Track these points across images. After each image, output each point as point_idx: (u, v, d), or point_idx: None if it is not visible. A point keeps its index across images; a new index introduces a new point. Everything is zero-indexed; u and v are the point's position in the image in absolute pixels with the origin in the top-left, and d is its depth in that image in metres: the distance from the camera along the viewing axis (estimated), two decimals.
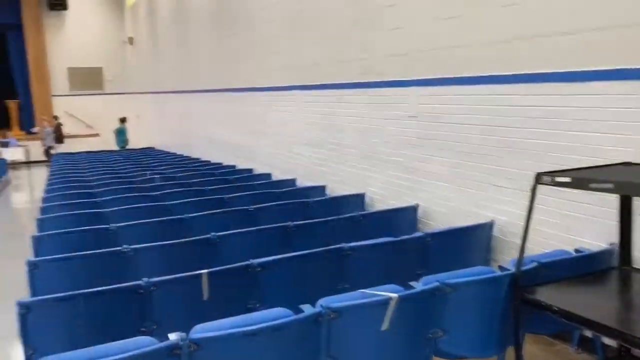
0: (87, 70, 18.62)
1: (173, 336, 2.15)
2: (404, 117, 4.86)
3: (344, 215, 4.52)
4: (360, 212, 4.58)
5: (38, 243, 4.12)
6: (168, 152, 12.70)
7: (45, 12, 17.74)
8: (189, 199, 5.71)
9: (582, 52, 3.24)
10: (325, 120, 6.24)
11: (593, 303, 2.60)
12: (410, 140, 4.82)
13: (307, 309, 2.55)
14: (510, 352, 2.78)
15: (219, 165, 9.35)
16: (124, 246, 3.61)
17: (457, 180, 4.30)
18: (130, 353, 1.99)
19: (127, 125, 16.18)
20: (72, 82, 18.50)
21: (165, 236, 4.12)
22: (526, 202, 2.64)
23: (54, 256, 3.71)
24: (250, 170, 8.25)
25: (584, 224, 3.33)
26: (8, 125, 18.02)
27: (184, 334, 2.10)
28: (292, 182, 6.85)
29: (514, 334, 2.68)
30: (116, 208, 5.29)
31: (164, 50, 14.00)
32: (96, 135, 18.20)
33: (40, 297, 2.80)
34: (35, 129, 16.80)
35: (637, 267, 2.94)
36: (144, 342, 2.13)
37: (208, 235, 3.86)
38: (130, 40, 17.50)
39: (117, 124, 16.03)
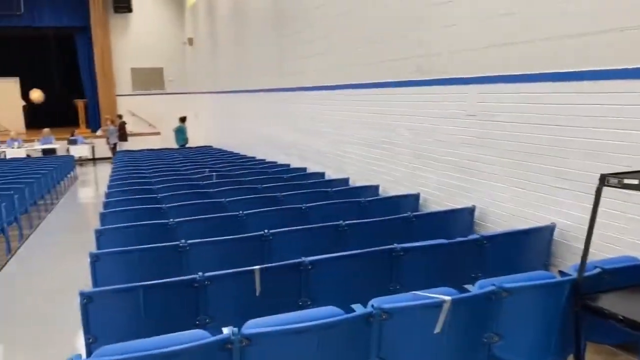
0: (149, 70, 19.31)
1: (226, 330, 2.19)
2: (460, 115, 4.75)
3: (396, 215, 4.47)
4: (413, 213, 4.50)
5: (100, 236, 4.29)
6: (225, 151, 12.99)
7: (111, 15, 18.54)
8: (244, 197, 5.80)
9: None
10: (379, 119, 6.19)
11: None
12: (465, 139, 4.70)
13: (358, 309, 2.53)
14: None
15: (273, 164, 9.47)
16: (181, 241, 3.71)
17: (515, 181, 4.16)
18: (185, 345, 2.04)
19: (187, 124, 16.66)
20: (135, 82, 19.24)
21: (220, 232, 4.22)
22: (589, 205, 2.51)
23: (114, 249, 3.87)
24: (303, 169, 8.30)
25: None
26: (76, 123, 18.95)
27: (236, 329, 2.13)
28: (345, 181, 6.84)
29: (574, 342, 2.56)
30: (174, 204, 5.44)
31: (222, 50, 14.32)
32: (157, 133, 18.84)
33: (101, 288, 2.93)
34: (99, 131, 17.57)
35: None
36: (198, 335, 2.18)
37: (261, 232, 3.91)
38: (190, 41, 18.00)
39: (177, 123, 16.53)
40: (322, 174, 7.63)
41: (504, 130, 4.23)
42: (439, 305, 2.37)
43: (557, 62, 3.68)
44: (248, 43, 11.70)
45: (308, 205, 4.91)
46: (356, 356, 2.34)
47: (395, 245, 3.34)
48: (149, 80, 19.34)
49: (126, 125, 17.40)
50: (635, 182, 2.33)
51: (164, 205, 5.38)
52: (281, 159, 9.68)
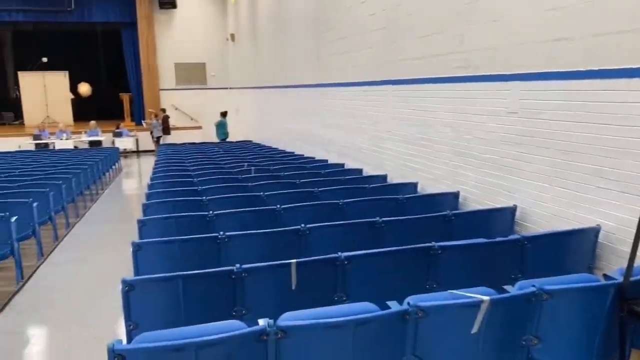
0: (192, 65, 19.67)
1: (262, 322, 2.21)
2: (502, 113, 4.64)
3: (435, 213, 4.41)
4: (452, 211, 4.44)
5: (143, 226, 4.41)
6: (264, 146, 13.11)
7: (156, 10, 18.96)
8: (281, 191, 5.85)
9: None
10: (418, 116, 6.12)
11: None
12: (507, 137, 4.59)
13: (394, 306, 2.53)
14: None
15: (311, 159, 9.50)
16: (220, 233, 3.77)
17: (558, 180, 4.04)
18: (221, 335, 2.07)
19: (227, 118, 16.91)
20: (179, 77, 19.63)
21: (258, 225, 4.27)
22: (636, 207, 2.41)
23: (156, 239, 3.97)
24: (341, 165, 8.30)
25: None
26: (121, 116, 19.51)
27: (271, 321, 2.16)
28: (382, 178, 6.80)
29: (619, 348, 2.47)
30: (214, 197, 5.53)
31: (262, 46, 14.45)
32: (199, 127, 19.19)
33: (142, 277, 3.01)
34: (143, 123, 18.00)
35: None
36: (235, 326, 2.22)
37: (298, 227, 3.93)
38: (232, 37, 18.23)
39: (218, 118, 16.80)
40: (360, 170, 7.61)
41: (546, 128, 4.11)
42: (477, 305, 2.33)
43: (605, 59, 3.55)
44: (288, 38, 11.76)
45: (345, 201, 4.91)
46: (391, 353, 2.33)
47: (433, 243, 3.30)
48: (192, 75, 19.70)
49: (169, 119, 17.80)
50: None
51: (204, 198, 5.48)
52: (319, 155, 9.71)
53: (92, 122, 17.37)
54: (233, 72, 19.09)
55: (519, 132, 4.44)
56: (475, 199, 5.12)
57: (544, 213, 4.23)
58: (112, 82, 21.85)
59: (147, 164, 14.69)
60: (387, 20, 6.81)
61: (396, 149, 6.73)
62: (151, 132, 17.27)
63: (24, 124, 19.89)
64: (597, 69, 3.62)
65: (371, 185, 5.97)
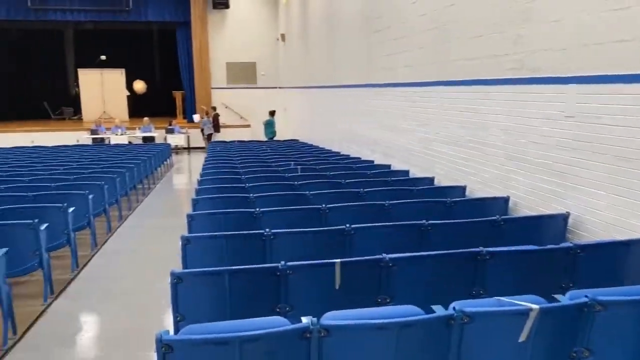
0: (242, 65, 20.00)
1: (305, 320, 2.22)
2: (558, 116, 4.49)
3: (484, 218, 4.32)
4: (502, 216, 4.33)
5: (192, 221, 4.52)
6: (311, 145, 13.18)
7: (210, 11, 19.38)
8: (327, 191, 5.87)
9: None
10: (469, 118, 6.00)
11: None
12: (562, 142, 4.44)
13: (439, 310, 2.48)
14: None
15: (357, 160, 9.48)
16: (266, 230, 3.81)
17: (616, 188, 3.87)
18: (265, 331, 2.10)
19: (276, 118, 17.10)
20: (229, 76, 20.01)
21: (303, 223, 4.29)
22: None
23: (204, 233, 4.07)
24: (388, 166, 8.24)
25: None
26: (174, 113, 20.06)
27: (315, 319, 2.16)
28: (430, 180, 6.71)
29: None
30: (261, 194, 5.61)
31: (313, 46, 14.52)
32: (247, 126, 19.49)
33: (190, 270, 3.09)
34: (196, 117, 18.42)
35: None
36: (278, 322, 2.24)
37: (343, 227, 3.93)
38: (282, 37, 18.42)
39: (266, 117, 17.01)
40: (407, 172, 7.53)
41: (606, 133, 3.95)
42: (525, 313, 2.26)
43: None
44: (338, 39, 11.78)
45: (391, 202, 4.87)
46: (434, 358, 2.30)
47: (481, 248, 3.22)
48: (243, 74, 20.03)
49: (219, 117, 18.17)
50: None
51: (250, 195, 5.56)
52: (365, 155, 9.67)
53: (146, 119, 17.94)
54: (282, 71, 19.29)
55: (575, 136, 4.29)
56: (526, 205, 4.98)
57: (599, 221, 4.06)
58: (166, 80, 22.50)
59: (197, 160, 15.04)
60: (438, 20, 6.71)
61: (445, 151, 6.62)
62: (202, 130, 17.67)
63: (82, 119, 20.75)
64: None
65: (418, 188, 5.90)
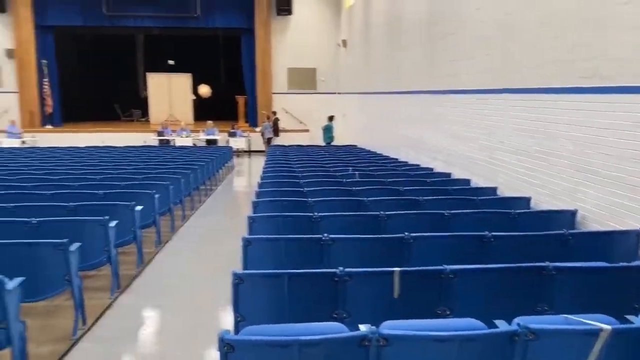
0: (303, 70, 20.24)
1: (363, 328, 2.22)
2: (631, 127, 4.26)
3: (550, 231, 4.16)
4: (569, 231, 4.15)
5: (252, 222, 4.61)
6: (369, 151, 13.15)
7: (273, 17, 19.76)
8: (385, 197, 5.83)
9: None
10: (536, 127, 5.79)
11: None
12: (636, 154, 4.20)
13: (502, 325, 2.42)
14: None
15: (415, 167, 9.37)
16: (324, 234, 3.84)
17: None
18: (324, 336, 2.11)
19: (334, 123, 17.18)
20: (290, 81, 20.30)
21: (360, 230, 4.29)
22: None
23: (264, 235, 4.14)
24: (447, 175, 8.09)
25: None
26: (236, 117, 20.55)
27: (374, 328, 2.16)
28: (492, 190, 6.53)
29: None
30: (319, 199, 5.65)
31: (374, 52, 14.50)
32: (306, 131, 19.68)
33: (251, 271, 3.15)
34: (258, 129, 18.80)
35: None
36: (337, 328, 2.25)
37: (402, 235, 3.89)
38: (344, 43, 18.50)
39: (325, 122, 17.12)
40: (468, 181, 7.37)
41: None
42: (595, 333, 2.16)
43: None
44: (400, 45, 11.70)
45: (451, 212, 4.78)
46: None
47: (548, 263, 3.11)
48: (303, 79, 20.27)
49: (279, 122, 18.47)
50: None
51: (309, 199, 5.61)
52: (424, 162, 9.54)
53: (210, 122, 18.48)
54: (342, 77, 19.36)
55: None
56: (595, 219, 4.75)
57: None
58: (230, 85, 23.07)
59: (257, 163, 15.34)
60: (504, 26, 6.54)
61: (509, 160, 6.42)
62: (262, 134, 18.01)
63: (149, 121, 21.63)
64: None
65: (480, 197, 5.75)
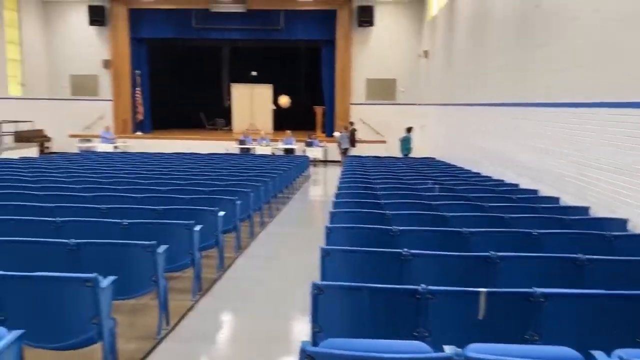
0: (382, 81, 20.18)
1: (448, 349, 2.13)
2: None
3: None
4: None
5: (330, 233, 4.60)
6: (448, 164, 12.82)
7: (355, 29, 19.88)
8: (467, 213, 5.64)
9: None
10: (636, 144, 5.38)
11: None
12: None
13: (600, 357, 2.24)
14: None
15: (500, 182, 9.00)
16: (404, 249, 3.75)
17: None
18: (407, 355, 2.05)
19: (412, 134, 16.94)
20: (369, 92, 20.30)
21: (441, 246, 4.15)
22: None
23: (342, 247, 4.11)
24: (534, 192, 7.70)
25: None
26: (313, 127, 20.82)
27: (460, 350, 2.06)
28: (584, 209, 6.13)
29: None
30: (397, 212, 5.55)
31: (456, 63, 14.18)
32: (383, 142, 19.56)
33: (331, 282, 3.12)
34: (336, 134, 18.93)
35: None
36: (419, 348, 2.18)
37: (487, 253, 3.72)
38: (425, 54, 18.25)
39: (403, 133, 16.92)
40: (557, 199, 6.96)
41: None
42: None
43: None
44: (485, 56, 11.35)
45: (540, 231, 4.52)
46: None
47: None
48: (382, 90, 20.21)
49: (356, 132, 18.49)
50: None
51: (387, 212, 5.53)
52: (508, 178, 9.15)
53: (288, 132, 18.85)
54: (422, 88, 19.08)
55: None
56: None
57: None
58: (308, 95, 23.44)
59: (333, 173, 15.42)
60: (601, 37, 6.15)
61: (604, 178, 6.01)
62: (339, 144, 18.10)
63: (232, 130, 22.40)
64: None
65: (571, 217, 5.42)
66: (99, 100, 20.63)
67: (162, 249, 4.17)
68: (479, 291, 2.82)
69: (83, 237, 4.09)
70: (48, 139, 19.55)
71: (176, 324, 4.49)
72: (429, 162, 13.34)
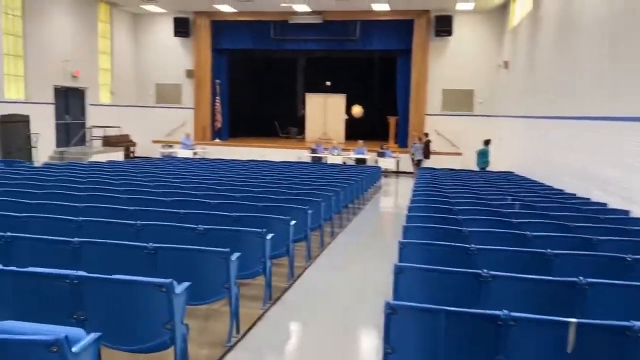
0: (459, 92, 19.64)
1: None
2: None
3: None
4: None
5: (403, 248, 4.46)
6: (528, 179, 12.22)
7: (432, 39, 19.50)
8: (551, 233, 5.29)
9: None
10: None
11: None
12: None
13: None
14: None
15: (585, 201, 8.43)
16: (483, 270, 3.55)
17: None
18: None
19: (490, 147, 16.34)
20: (445, 103, 19.83)
21: (522, 268, 3.91)
22: None
23: (417, 265, 3.96)
24: (625, 212, 7.13)
25: None
26: (386, 137, 20.60)
27: None
28: None
29: None
30: (475, 229, 5.31)
31: (539, 74, 13.53)
32: (458, 154, 19.01)
33: (404, 303, 2.99)
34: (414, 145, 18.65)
35: None
36: None
37: (574, 279, 3.45)
38: (505, 64, 17.59)
39: (480, 146, 16.36)
40: None
41: None
42: None
43: None
44: (573, 67, 10.73)
45: (635, 257, 4.15)
46: None
47: None
48: (458, 101, 19.69)
49: (430, 144, 18.08)
50: None
51: (464, 228, 5.30)
52: (595, 196, 8.55)
53: (360, 141, 18.76)
54: (501, 100, 18.38)
55: None
56: None
57: None
58: (381, 105, 23.27)
59: (405, 185, 15.16)
60: None
61: None
62: (412, 155, 17.78)
63: (304, 139, 22.64)
64: None
65: None
66: (181, 108, 21.56)
67: (235, 256, 4.20)
68: (568, 321, 2.60)
69: (161, 240, 4.21)
70: (133, 144, 20.64)
71: (246, 332, 4.51)
72: (508, 177, 12.79)
